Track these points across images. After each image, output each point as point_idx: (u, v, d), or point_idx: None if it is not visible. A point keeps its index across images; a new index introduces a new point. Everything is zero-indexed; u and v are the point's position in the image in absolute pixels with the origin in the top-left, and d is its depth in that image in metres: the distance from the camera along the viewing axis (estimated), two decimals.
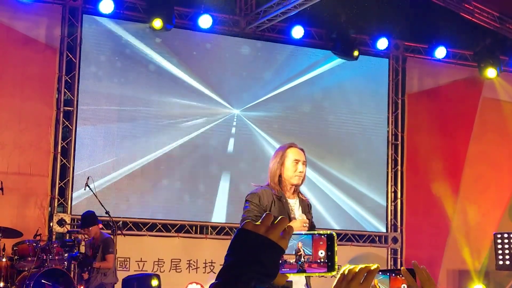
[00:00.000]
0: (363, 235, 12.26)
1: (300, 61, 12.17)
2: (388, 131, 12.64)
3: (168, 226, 11.16)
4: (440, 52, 12.64)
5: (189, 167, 11.35)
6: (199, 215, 11.32)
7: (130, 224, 10.90)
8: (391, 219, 12.46)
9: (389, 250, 12.46)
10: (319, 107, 12.27)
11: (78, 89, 10.78)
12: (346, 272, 1.69)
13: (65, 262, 8.86)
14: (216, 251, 11.21)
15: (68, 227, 10.40)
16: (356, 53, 12.02)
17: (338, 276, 1.70)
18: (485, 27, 12.40)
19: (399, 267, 12.11)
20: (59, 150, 10.60)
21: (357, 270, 1.68)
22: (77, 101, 10.77)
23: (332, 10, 11.76)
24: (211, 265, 11.24)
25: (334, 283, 1.71)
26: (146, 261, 10.88)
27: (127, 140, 11.01)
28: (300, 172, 4.91)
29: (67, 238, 9.69)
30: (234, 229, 11.30)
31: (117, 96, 11.02)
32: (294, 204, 4.98)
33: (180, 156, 11.29)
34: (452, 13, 12.04)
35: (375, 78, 12.69)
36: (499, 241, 8.04)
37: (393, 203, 12.51)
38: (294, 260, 1.61)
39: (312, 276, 5.30)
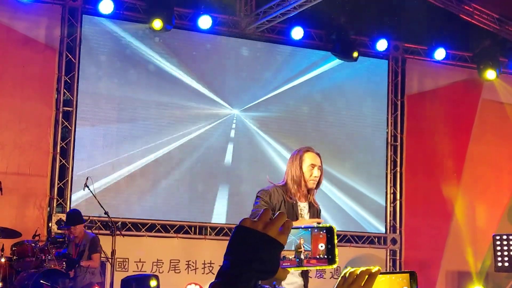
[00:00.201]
0: (362, 236, 12.26)
1: (300, 61, 12.17)
2: (387, 133, 12.65)
3: (167, 226, 11.16)
4: (440, 53, 12.65)
5: (189, 167, 11.34)
6: (198, 216, 11.32)
7: (129, 225, 10.90)
8: (390, 221, 12.47)
9: (388, 251, 12.46)
10: (319, 108, 12.27)
11: (77, 89, 10.78)
12: (347, 275, 1.68)
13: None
14: (215, 252, 11.20)
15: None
16: (355, 54, 12.03)
17: (339, 279, 1.69)
18: (484, 28, 12.41)
19: (398, 269, 12.10)
20: (58, 151, 10.59)
21: (358, 273, 1.67)
22: (77, 101, 10.76)
23: (332, 11, 11.76)
24: (210, 266, 11.23)
25: (335, 286, 1.70)
26: (145, 262, 10.88)
27: (126, 141, 11.01)
28: (315, 176, 5.04)
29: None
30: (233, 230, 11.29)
31: (116, 96, 11.02)
32: (304, 207, 5.09)
33: (179, 156, 11.29)
34: (452, 14, 12.04)
35: (374, 79, 12.69)
36: (498, 242, 8.04)
37: (392, 204, 12.51)
38: (293, 256, 1.60)
39: (313, 269, 5.32)
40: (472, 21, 12.26)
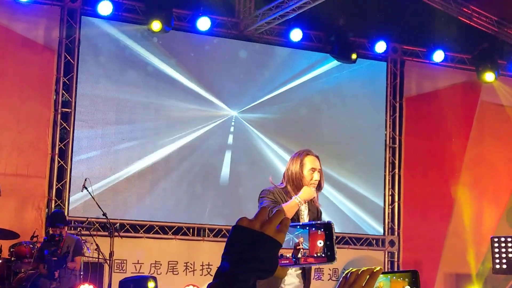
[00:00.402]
0: (360, 238, 12.26)
1: (298, 63, 12.17)
2: (386, 134, 12.65)
3: (166, 228, 11.15)
4: (438, 55, 12.66)
5: (187, 169, 11.34)
6: (197, 217, 11.32)
7: (127, 226, 10.89)
8: (388, 222, 12.47)
9: (386, 253, 12.46)
10: (317, 109, 12.28)
11: (76, 90, 10.78)
12: (348, 275, 1.69)
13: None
14: (213, 253, 11.19)
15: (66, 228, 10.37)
16: (354, 56, 12.03)
17: (341, 279, 1.70)
18: (483, 31, 12.41)
19: (395, 270, 12.12)
20: (56, 152, 10.59)
21: (359, 273, 1.67)
22: (75, 102, 10.76)
23: (331, 13, 11.76)
24: (208, 268, 11.23)
25: (336, 286, 1.70)
26: (143, 263, 10.87)
27: (124, 142, 11.00)
28: (315, 180, 5.08)
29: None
30: None
31: (115, 98, 11.02)
32: (304, 208, 5.10)
33: (178, 158, 11.28)
34: (450, 17, 12.05)
35: (373, 81, 12.70)
36: (496, 245, 8.04)
37: (390, 206, 12.52)
38: (291, 254, 1.59)
39: (312, 270, 5.31)
40: (471, 23, 12.26)
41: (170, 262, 11.06)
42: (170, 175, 11.23)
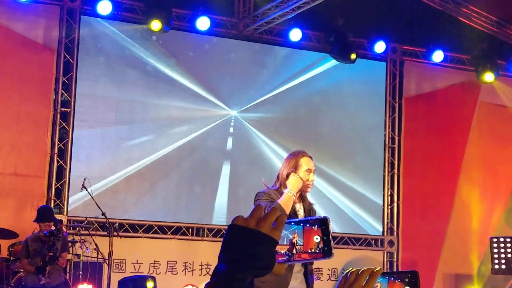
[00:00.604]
0: (359, 238, 12.26)
1: (298, 63, 12.18)
2: (385, 135, 12.66)
3: (165, 228, 11.15)
4: (438, 56, 12.66)
5: (187, 169, 11.34)
6: (196, 217, 11.32)
7: (127, 226, 10.89)
8: (387, 223, 12.47)
9: (385, 253, 12.46)
10: (316, 109, 12.28)
11: (75, 90, 10.78)
12: (348, 275, 1.69)
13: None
14: (212, 253, 11.19)
15: (64, 228, 10.36)
16: (353, 56, 12.03)
17: (341, 279, 1.70)
18: (482, 31, 12.42)
19: (395, 270, 12.05)
20: (55, 151, 10.59)
21: (359, 273, 1.68)
22: (74, 102, 10.76)
23: (330, 13, 11.76)
24: (207, 268, 11.23)
25: (336, 285, 1.70)
26: (142, 263, 10.87)
27: (124, 142, 11.00)
28: (311, 181, 5.10)
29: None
30: None
31: (114, 98, 11.01)
32: (299, 208, 5.11)
33: (177, 158, 11.28)
34: (450, 17, 12.05)
35: (372, 81, 12.70)
36: (495, 245, 8.04)
37: (389, 207, 12.52)
38: (286, 250, 1.58)
39: (313, 267, 5.31)
40: (470, 23, 12.27)
41: (169, 262, 11.06)
42: (170, 175, 11.23)
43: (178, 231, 11.21)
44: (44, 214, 8.65)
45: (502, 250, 7.99)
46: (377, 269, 1.67)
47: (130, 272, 10.65)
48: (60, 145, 10.66)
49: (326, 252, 1.57)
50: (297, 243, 1.58)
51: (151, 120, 11.21)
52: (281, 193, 4.99)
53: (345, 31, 11.92)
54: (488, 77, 12.67)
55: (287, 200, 4.86)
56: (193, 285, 10.47)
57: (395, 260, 12.47)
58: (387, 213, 12.49)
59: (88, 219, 10.35)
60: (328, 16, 11.86)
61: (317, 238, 1.57)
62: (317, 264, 11.61)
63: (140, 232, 10.98)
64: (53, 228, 8.53)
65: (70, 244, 9.28)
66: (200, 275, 11.16)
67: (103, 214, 9.27)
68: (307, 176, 5.02)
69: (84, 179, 9.49)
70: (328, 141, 12.23)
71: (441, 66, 12.94)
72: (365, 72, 12.60)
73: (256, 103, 11.81)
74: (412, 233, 12.52)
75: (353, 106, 12.48)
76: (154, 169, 11.13)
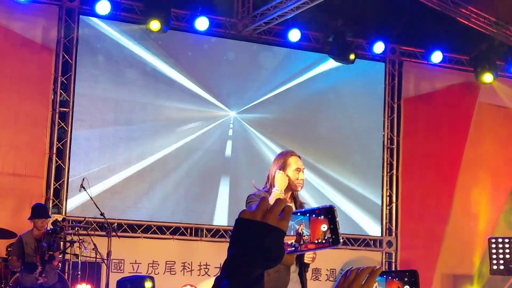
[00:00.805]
0: (358, 239, 12.26)
1: (296, 63, 12.18)
2: (383, 135, 12.66)
3: (163, 228, 11.14)
4: (436, 56, 12.66)
5: (186, 169, 11.33)
6: (195, 217, 11.31)
7: (125, 226, 10.89)
8: (386, 223, 12.47)
9: (384, 254, 12.46)
10: (315, 109, 12.28)
11: (74, 90, 10.77)
12: (347, 274, 1.69)
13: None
14: (211, 253, 11.20)
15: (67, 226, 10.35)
16: (352, 56, 12.04)
17: (340, 277, 1.70)
18: (481, 32, 12.42)
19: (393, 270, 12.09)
20: (54, 151, 10.58)
21: (358, 272, 1.68)
22: (73, 102, 10.75)
23: (329, 13, 11.77)
24: (206, 268, 11.23)
25: (336, 284, 1.70)
26: (140, 263, 10.86)
27: (123, 142, 11.00)
28: (301, 179, 5.10)
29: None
30: (229, 231, 11.30)
31: (113, 97, 11.01)
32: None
33: (176, 158, 11.27)
34: (449, 17, 12.06)
35: (371, 82, 12.71)
36: (494, 245, 8.04)
37: (388, 207, 12.52)
38: (293, 241, 1.58)
39: (310, 267, 5.31)
40: (469, 24, 12.27)
41: (167, 262, 11.06)
42: (169, 176, 11.23)
43: (176, 231, 11.21)
44: (40, 211, 8.64)
45: (501, 251, 7.99)
46: (376, 268, 1.68)
47: (129, 272, 10.64)
48: (59, 145, 10.65)
49: (334, 240, 1.57)
50: (303, 233, 1.59)
51: (150, 120, 11.20)
52: (270, 193, 4.99)
53: (344, 31, 11.92)
54: (487, 77, 12.67)
55: (275, 197, 4.86)
56: (191, 285, 10.47)
57: (393, 260, 12.48)
58: (386, 214, 12.49)
59: (86, 219, 10.36)
60: (327, 17, 11.86)
61: (324, 227, 1.58)
62: (315, 264, 11.61)
63: (139, 232, 10.97)
64: (49, 227, 8.53)
65: (68, 244, 9.28)
66: (198, 275, 11.15)
67: (102, 214, 9.26)
68: (296, 175, 5.03)
69: (83, 179, 9.49)
70: (327, 142, 12.23)
71: (440, 67, 12.95)
72: (364, 73, 12.60)
73: (255, 103, 11.81)
74: (411, 234, 12.53)
75: (352, 106, 12.48)
76: (153, 169, 11.13)
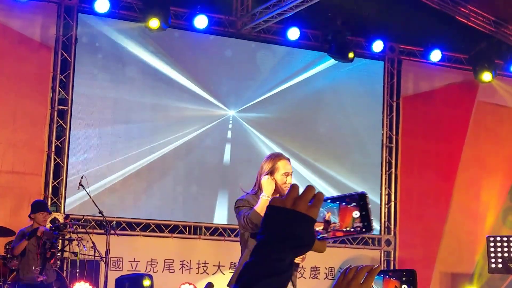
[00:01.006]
0: (356, 237, 12.26)
1: (296, 62, 12.17)
2: (382, 134, 12.66)
3: (162, 226, 11.14)
4: (435, 55, 12.66)
5: (184, 168, 11.33)
6: (193, 216, 11.31)
7: (124, 224, 10.89)
8: (384, 222, 12.48)
9: (382, 252, 12.47)
10: (314, 108, 12.28)
11: (72, 88, 10.76)
12: (346, 272, 1.69)
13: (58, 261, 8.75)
14: (209, 252, 11.20)
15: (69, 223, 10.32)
16: (351, 55, 12.03)
17: (339, 275, 1.70)
18: (480, 31, 12.43)
19: (391, 269, 12.10)
20: (53, 149, 10.57)
21: (357, 270, 1.68)
22: (72, 100, 10.74)
23: (328, 12, 11.77)
24: (204, 266, 11.23)
25: (334, 282, 1.70)
26: (139, 261, 10.86)
27: (121, 141, 10.99)
28: (289, 183, 5.08)
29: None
30: (228, 230, 11.31)
31: (111, 95, 11.00)
32: None
33: (175, 157, 11.27)
34: (448, 16, 12.06)
35: (370, 80, 12.70)
36: (492, 244, 8.05)
37: (386, 206, 12.53)
38: (321, 228, 1.58)
39: (303, 266, 5.30)
40: (468, 23, 12.28)
41: (166, 260, 11.06)
42: (167, 174, 11.22)
43: (175, 229, 11.21)
44: (42, 205, 8.62)
45: (499, 249, 8.00)
46: (375, 266, 1.68)
47: (127, 270, 10.64)
48: (57, 143, 10.64)
49: (366, 227, 1.57)
50: (331, 220, 1.58)
51: (148, 119, 11.19)
52: (258, 197, 4.98)
53: (343, 30, 11.91)
54: (486, 76, 12.67)
55: (263, 204, 4.85)
56: (190, 283, 10.47)
57: (392, 259, 12.48)
58: (385, 212, 12.49)
59: (85, 217, 10.36)
60: (326, 15, 11.86)
61: (356, 214, 1.57)
62: (314, 263, 11.62)
63: (137, 230, 10.97)
64: (48, 225, 8.52)
65: (67, 242, 9.28)
66: (197, 273, 11.15)
67: (100, 212, 9.26)
68: (284, 179, 5.01)
69: (82, 177, 9.48)
70: (326, 140, 12.23)
71: (439, 66, 12.95)
72: (363, 71, 12.60)
73: (254, 103, 11.80)
74: (409, 232, 12.53)
75: (351, 105, 12.48)
76: (152, 168, 11.12)
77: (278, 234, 1.47)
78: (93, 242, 9.31)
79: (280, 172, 5.01)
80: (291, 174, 5.10)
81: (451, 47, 12.82)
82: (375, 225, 12.44)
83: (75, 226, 9.60)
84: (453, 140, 13.01)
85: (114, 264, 10.54)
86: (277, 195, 5.05)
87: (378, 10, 11.70)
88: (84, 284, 9.16)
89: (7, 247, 9.03)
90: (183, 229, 11.26)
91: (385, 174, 12.57)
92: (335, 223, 1.58)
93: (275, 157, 5.10)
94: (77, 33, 10.82)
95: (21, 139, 10.42)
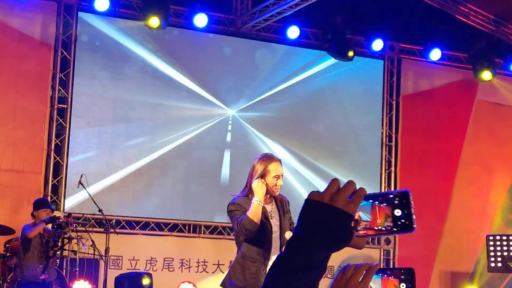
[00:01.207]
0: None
1: (295, 61, 12.17)
2: (382, 132, 12.66)
3: (161, 225, 11.15)
4: (435, 54, 12.66)
5: (184, 167, 11.33)
6: (193, 214, 11.31)
7: (123, 223, 10.89)
8: None
9: (382, 251, 12.47)
10: (314, 107, 12.27)
11: (72, 86, 10.76)
12: (345, 270, 1.69)
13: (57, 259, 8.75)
14: (209, 250, 11.20)
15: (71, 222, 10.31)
16: (351, 54, 12.02)
17: (338, 273, 1.70)
18: (480, 29, 12.42)
19: (389, 267, 12.07)
20: (52, 148, 10.57)
21: (356, 268, 1.68)
22: (71, 98, 10.74)
23: (328, 10, 11.76)
24: (204, 265, 11.23)
25: (333, 281, 1.70)
26: (138, 260, 10.86)
27: (121, 140, 10.99)
28: (279, 185, 5.09)
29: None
30: (228, 228, 11.31)
31: (111, 94, 11.00)
32: (270, 208, 5.10)
33: (175, 156, 11.26)
34: (448, 15, 12.06)
35: (370, 79, 12.70)
36: (492, 243, 8.05)
37: None
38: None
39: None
40: (468, 21, 12.27)
41: (165, 259, 11.06)
42: (167, 173, 11.22)
43: (175, 228, 11.21)
44: (44, 202, 8.66)
45: (499, 248, 8.00)
46: (374, 265, 1.68)
47: (127, 269, 10.65)
48: (57, 141, 10.65)
49: (407, 226, 1.54)
50: (360, 219, 1.55)
51: (148, 118, 11.18)
52: (250, 199, 4.97)
53: (342, 28, 11.91)
54: (486, 75, 12.67)
55: (255, 209, 4.86)
56: (189, 282, 10.47)
57: (391, 258, 12.49)
58: None
59: (85, 215, 10.36)
60: (326, 14, 11.86)
61: (398, 212, 1.54)
62: None
63: (137, 229, 10.97)
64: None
65: (66, 241, 9.28)
66: (196, 272, 11.15)
67: (100, 210, 9.26)
68: (274, 182, 5.00)
69: (81, 176, 9.48)
70: (326, 139, 12.23)
71: (438, 64, 12.95)
72: (363, 70, 12.59)
73: (254, 102, 11.80)
74: None
75: (351, 104, 12.48)
76: (152, 166, 11.12)
77: (313, 228, 1.45)
78: (92, 241, 9.31)
79: (271, 175, 5.00)
80: (282, 176, 5.09)
81: (451, 45, 12.82)
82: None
83: (74, 225, 9.61)
84: (452, 139, 13.00)
85: (113, 262, 10.54)
86: (268, 196, 5.06)
87: (377, 9, 11.69)
88: (84, 283, 9.16)
89: (7, 245, 9.04)
90: (182, 228, 11.26)
91: (385, 173, 12.57)
92: (367, 221, 1.55)
93: (266, 159, 5.08)
94: (77, 32, 10.82)
95: (21, 137, 10.42)
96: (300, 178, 11.77)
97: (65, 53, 10.75)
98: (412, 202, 1.54)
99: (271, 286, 1.43)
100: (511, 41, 12.68)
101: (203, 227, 11.40)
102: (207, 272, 11.18)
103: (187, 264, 11.17)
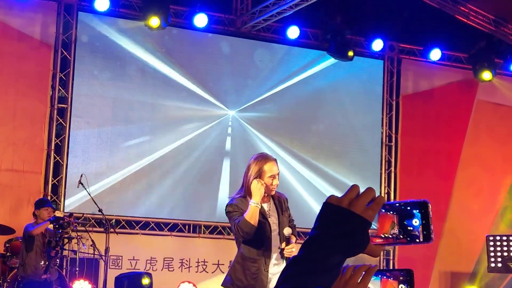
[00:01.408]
0: None
1: (295, 61, 12.17)
2: (382, 133, 12.66)
3: (161, 224, 11.15)
4: (435, 54, 12.66)
5: (184, 167, 11.32)
6: (193, 214, 11.31)
7: (123, 222, 10.89)
8: None
9: (382, 251, 12.45)
10: (314, 107, 12.27)
11: (72, 86, 10.76)
12: (344, 271, 1.68)
13: (58, 260, 8.76)
14: (209, 250, 11.20)
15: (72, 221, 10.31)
16: (351, 54, 12.02)
17: None
18: (480, 29, 12.42)
19: (389, 268, 12.06)
20: (52, 148, 10.57)
21: (355, 269, 1.67)
22: (71, 98, 10.74)
23: (328, 11, 11.76)
24: (204, 264, 11.23)
25: None
26: (138, 260, 10.87)
27: (121, 140, 10.99)
28: (275, 185, 5.11)
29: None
30: (228, 228, 11.30)
31: (111, 94, 11.00)
32: (268, 207, 5.12)
33: (175, 157, 11.26)
34: (447, 15, 12.06)
35: (370, 79, 12.70)
36: (491, 243, 8.05)
37: None
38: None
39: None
40: (468, 22, 12.27)
41: (165, 259, 11.06)
42: (167, 174, 11.22)
43: (174, 228, 11.21)
44: (45, 201, 8.67)
45: (498, 249, 8.00)
46: (373, 265, 1.67)
47: (127, 269, 10.65)
48: (57, 141, 10.65)
49: (425, 236, 1.52)
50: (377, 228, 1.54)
51: (148, 118, 11.18)
52: (247, 200, 4.98)
53: (342, 28, 11.90)
54: (486, 75, 12.67)
55: (253, 211, 4.87)
56: (189, 282, 10.47)
57: (391, 258, 12.49)
58: None
59: (84, 215, 10.35)
60: (326, 14, 11.85)
61: (416, 222, 1.53)
62: None
63: (137, 229, 10.97)
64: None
65: (66, 241, 9.28)
66: (196, 272, 11.16)
67: (100, 210, 9.26)
68: (270, 181, 5.02)
69: (81, 175, 9.48)
70: (326, 139, 12.23)
71: (438, 64, 12.95)
72: (363, 70, 12.59)
73: (254, 102, 11.80)
74: None
75: (351, 104, 12.48)
76: (152, 167, 11.12)
77: (329, 232, 1.44)
78: (92, 240, 9.31)
79: (267, 175, 5.02)
80: (278, 175, 5.10)
81: (450, 46, 12.82)
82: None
83: (75, 224, 9.61)
84: (452, 139, 13.01)
85: (113, 262, 10.54)
86: (265, 195, 5.07)
87: (377, 9, 11.69)
88: (84, 282, 9.16)
89: (7, 245, 9.04)
90: (182, 228, 11.26)
91: (385, 173, 12.57)
92: (373, 229, 1.54)
93: (261, 159, 5.09)
94: (77, 32, 10.82)
95: (21, 137, 10.42)
96: (300, 178, 11.77)
97: (65, 53, 10.75)
98: (430, 212, 1.53)
99: (284, 287, 1.43)
100: (511, 41, 12.68)
101: (203, 227, 11.40)
102: (207, 272, 11.18)
103: (187, 264, 11.17)
